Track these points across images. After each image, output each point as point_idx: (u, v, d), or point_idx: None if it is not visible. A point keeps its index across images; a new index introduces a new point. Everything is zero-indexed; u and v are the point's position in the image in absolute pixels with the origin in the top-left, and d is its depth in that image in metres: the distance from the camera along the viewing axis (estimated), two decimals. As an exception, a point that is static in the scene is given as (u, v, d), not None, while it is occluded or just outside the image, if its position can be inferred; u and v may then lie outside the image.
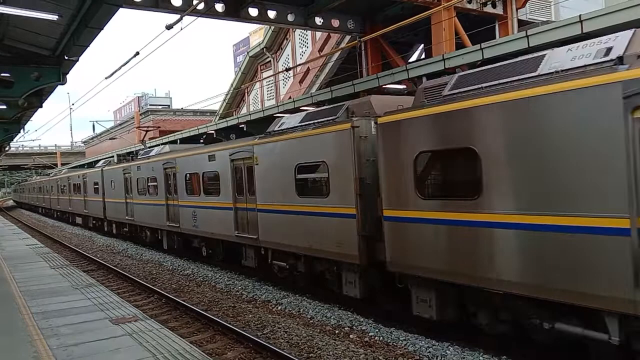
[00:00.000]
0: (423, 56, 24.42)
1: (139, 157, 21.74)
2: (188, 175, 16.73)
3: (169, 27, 12.28)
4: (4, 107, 15.32)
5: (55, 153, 73.83)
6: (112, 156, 36.16)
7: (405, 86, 15.69)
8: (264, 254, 13.16)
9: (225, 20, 17.68)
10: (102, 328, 8.20)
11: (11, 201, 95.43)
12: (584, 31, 10.21)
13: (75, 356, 6.87)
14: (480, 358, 7.86)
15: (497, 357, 7.88)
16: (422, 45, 24.66)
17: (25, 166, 75.74)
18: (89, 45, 11.21)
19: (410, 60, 24.37)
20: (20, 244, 21.37)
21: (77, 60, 12.26)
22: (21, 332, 8.14)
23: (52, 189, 43.72)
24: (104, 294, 10.81)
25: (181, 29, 12.99)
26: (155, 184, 19.23)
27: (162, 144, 26.69)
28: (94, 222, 30.72)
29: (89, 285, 11.84)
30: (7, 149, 35.96)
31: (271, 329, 9.89)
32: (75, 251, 22.47)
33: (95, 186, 27.87)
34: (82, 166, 49.56)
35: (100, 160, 35.39)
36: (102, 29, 10.27)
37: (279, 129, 12.35)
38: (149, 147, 25.34)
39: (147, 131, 25.37)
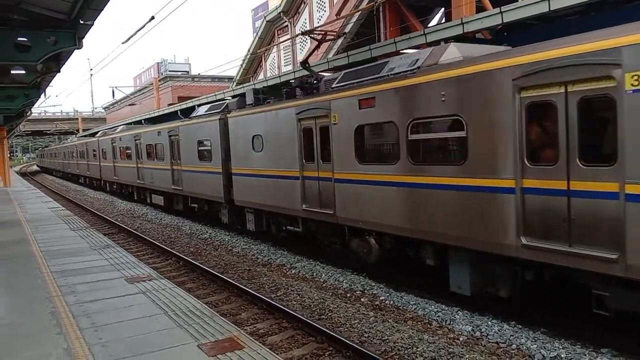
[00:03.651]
0: (443, 20, 23.86)
1: (337, 86, 11.06)
2: None
3: (183, -11, 12.18)
4: (23, 72, 15.48)
5: (77, 119, 74.67)
6: (239, 95, 19.27)
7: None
8: None
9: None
10: (117, 286, 8.44)
11: (35, 166, 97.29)
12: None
13: (91, 312, 7.11)
14: (489, 323, 7.92)
15: (506, 322, 7.94)
16: (442, 9, 24.07)
17: (48, 132, 76.86)
18: (102, 9, 11.18)
19: (430, 24, 23.85)
20: (42, 207, 21.88)
21: (92, 25, 12.24)
22: (41, 289, 8.42)
23: (103, 153, 31.61)
24: (121, 255, 11.08)
25: (196, -8, 12.84)
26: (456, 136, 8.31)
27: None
28: (194, 205, 18.96)
29: (107, 246, 12.14)
30: (28, 114, 35.96)
31: (284, 292, 10.09)
32: (96, 215, 22.94)
33: (204, 147, 17.09)
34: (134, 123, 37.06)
35: (201, 105, 23.31)
36: (115, -9, 10.22)
37: None
38: (352, 68, 11.70)
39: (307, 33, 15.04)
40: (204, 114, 17.51)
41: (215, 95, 26.92)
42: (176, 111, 32.08)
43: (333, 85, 11.22)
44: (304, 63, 14.46)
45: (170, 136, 19.79)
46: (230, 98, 23.77)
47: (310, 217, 12.02)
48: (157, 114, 37.29)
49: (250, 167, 14.29)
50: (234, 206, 15.62)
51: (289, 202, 12.62)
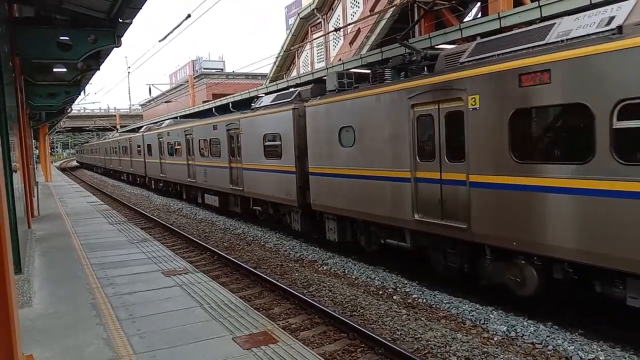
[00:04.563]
0: (479, 15, 23.46)
1: (470, 60, 8.73)
2: None
3: (218, -13, 12.31)
4: (64, 70, 15.90)
5: (115, 115, 76.50)
6: (313, 81, 18.78)
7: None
8: None
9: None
10: (154, 279, 8.66)
11: (74, 162, 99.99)
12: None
13: (129, 303, 7.32)
14: (525, 323, 7.79)
15: (542, 322, 7.79)
16: (478, 4, 23.68)
17: (87, 128, 78.98)
18: (141, 8, 11.36)
19: (466, 19, 23.49)
20: (81, 202, 22.52)
21: (131, 23, 12.46)
22: (81, 281, 8.70)
23: (148, 149, 28.68)
24: (158, 249, 11.33)
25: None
26: None
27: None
28: (257, 208, 16.81)
29: (144, 240, 12.42)
30: (69, 111, 36.85)
31: (316, 288, 10.14)
32: (133, 209, 23.46)
33: (272, 143, 15.03)
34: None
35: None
36: (154, -10, 10.40)
37: None
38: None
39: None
40: (271, 105, 15.36)
41: (250, 92, 27.16)
42: (211, 108, 32.51)
43: (463, 60, 8.74)
44: (404, 37, 12.28)
45: (228, 130, 17.84)
46: (263, 94, 23.78)
47: (426, 231, 9.48)
48: (192, 111, 37.88)
49: (335, 166, 12.00)
50: (310, 211, 13.54)
51: (393, 210, 10.21)
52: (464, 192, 8.45)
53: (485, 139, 8.05)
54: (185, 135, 22.52)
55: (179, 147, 23.51)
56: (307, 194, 13.35)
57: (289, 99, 14.44)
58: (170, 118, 35.29)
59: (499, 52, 8.11)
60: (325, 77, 18.38)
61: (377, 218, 10.79)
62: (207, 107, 34.70)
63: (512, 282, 8.08)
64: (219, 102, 32.15)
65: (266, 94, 23.18)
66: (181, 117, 37.94)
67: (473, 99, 8.16)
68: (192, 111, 37.95)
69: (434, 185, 9.15)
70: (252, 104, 17.26)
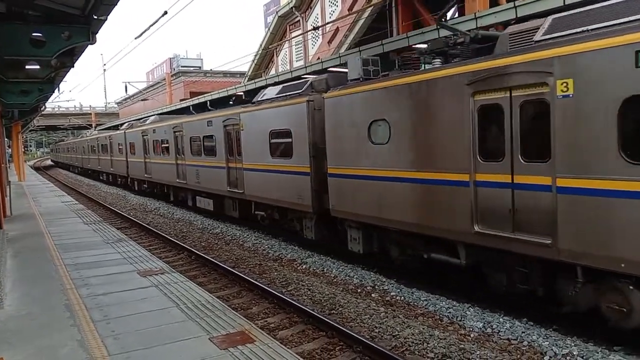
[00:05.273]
0: (457, 15, 23.71)
1: (554, 37, 7.13)
2: None
3: (195, -16, 12.18)
4: (37, 67, 15.57)
5: (90, 113, 75.30)
6: (327, 69, 17.22)
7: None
8: None
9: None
10: (130, 279, 8.56)
11: (49, 161, 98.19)
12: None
13: (104, 304, 7.22)
14: (501, 319, 7.89)
15: (518, 319, 7.90)
16: (455, 5, 23.93)
17: (62, 126, 77.61)
18: (116, 4, 11.19)
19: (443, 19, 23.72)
20: (56, 201, 22.13)
21: (106, 20, 12.29)
22: (55, 281, 8.55)
23: (131, 147, 27.72)
24: (133, 249, 11.19)
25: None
26: None
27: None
28: (260, 213, 14.94)
29: (120, 240, 12.26)
30: (43, 109, 36.02)
31: (295, 287, 10.12)
32: (108, 209, 23.12)
33: (280, 140, 13.37)
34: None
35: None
36: (129, -14, 10.26)
37: None
38: None
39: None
40: (278, 97, 13.52)
41: (227, 91, 26.98)
42: (188, 106, 32.24)
43: (539, 38, 7.22)
44: (441, 18, 10.96)
45: (226, 126, 16.18)
46: (242, 92, 23.65)
47: (489, 245, 7.85)
48: (170, 109, 37.51)
49: (363, 167, 10.30)
50: (328, 218, 11.87)
51: (442, 220, 8.57)
52: (548, 199, 6.85)
53: (583, 133, 6.40)
54: (174, 132, 20.72)
55: (167, 145, 21.81)
56: (325, 198, 11.75)
57: (299, 90, 12.70)
58: (156, 114, 33.37)
59: (592, 26, 6.55)
60: (304, 76, 18.41)
61: (420, 228, 9.10)
62: (184, 105, 34.38)
63: (612, 312, 6.58)
64: (196, 100, 31.88)
65: (245, 91, 23.10)
66: (158, 115, 37.45)
67: (564, 84, 6.54)
68: (169, 109, 37.56)
69: (503, 191, 7.51)
70: (231, 100, 16.83)
